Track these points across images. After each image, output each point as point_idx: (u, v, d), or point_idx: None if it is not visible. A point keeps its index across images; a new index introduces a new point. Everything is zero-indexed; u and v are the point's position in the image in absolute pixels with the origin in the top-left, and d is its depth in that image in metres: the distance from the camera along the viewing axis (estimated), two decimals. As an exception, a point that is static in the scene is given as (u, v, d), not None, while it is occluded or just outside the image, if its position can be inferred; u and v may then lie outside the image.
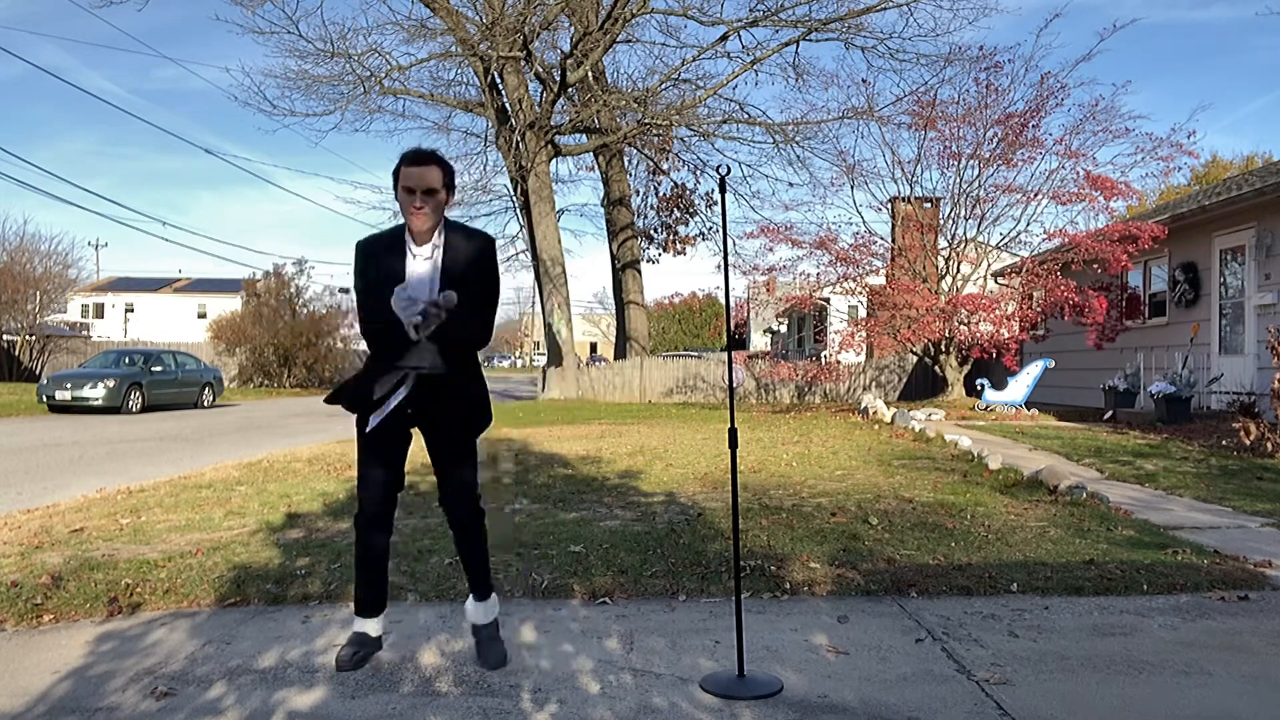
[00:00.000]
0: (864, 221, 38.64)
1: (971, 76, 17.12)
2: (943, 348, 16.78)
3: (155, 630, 3.55)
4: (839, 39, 20.99)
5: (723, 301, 46.90)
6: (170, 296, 55.39)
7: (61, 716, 2.75)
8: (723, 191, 3.35)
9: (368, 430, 3.12)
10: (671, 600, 3.92)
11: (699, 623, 3.62)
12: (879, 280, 17.33)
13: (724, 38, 21.44)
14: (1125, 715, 2.77)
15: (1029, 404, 15.17)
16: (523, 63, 21.47)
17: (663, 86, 23.32)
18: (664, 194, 28.52)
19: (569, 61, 20.83)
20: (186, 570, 4.34)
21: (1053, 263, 15.45)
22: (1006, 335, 15.60)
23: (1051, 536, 5.07)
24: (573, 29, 21.82)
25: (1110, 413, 13.84)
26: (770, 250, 17.46)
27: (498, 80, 21.90)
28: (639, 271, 29.16)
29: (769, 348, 41.05)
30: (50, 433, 13.25)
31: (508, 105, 22.04)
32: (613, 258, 29.36)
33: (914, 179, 17.45)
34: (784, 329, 40.16)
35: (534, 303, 24.94)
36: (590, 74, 21.70)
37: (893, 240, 17.66)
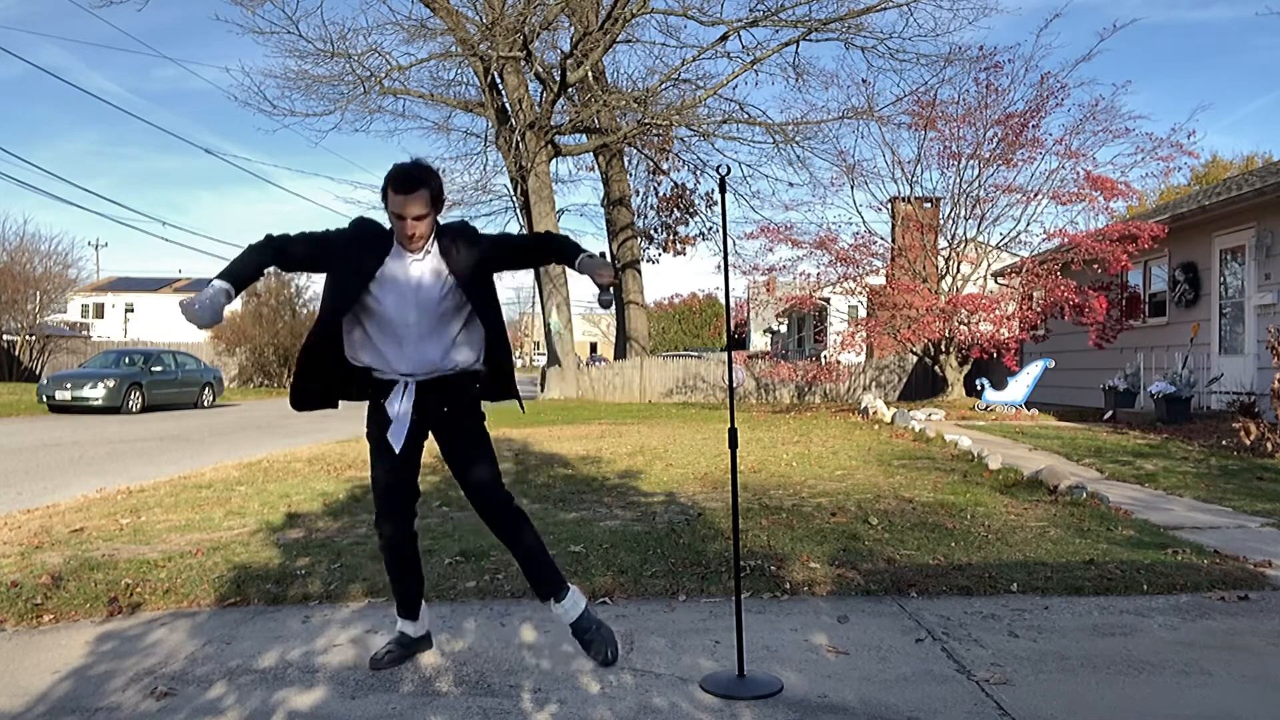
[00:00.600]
0: (864, 221, 38.70)
1: (971, 76, 17.15)
2: (943, 348, 16.79)
3: (155, 630, 3.55)
4: (839, 39, 21.01)
5: (723, 301, 46.87)
6: (170, 296, 55.32)
7: (61, 716, 2.75)
8: (723, 191, 3.35)
9: (397, 451, 3.00)
10: (671, 600, 3.92)
11: (699, 623, 3.62)
12: (879, 280, 17.33)
13: (724, 38, 21.45)
14: (1125, 715, 2.77)
15: (1029, 404, 15.18)
16: (523, 63, 21.47)
17: (663, 86, 23.33)
18: (664, 194, 28.54)
19: (569, 61, 20.83)
20: (186, 570, 4.34)
21: (1053, 263, 15.45)
22: (1006, 335, 15.60)
23: (1051, 536, 5.06)
24: (573, 29, 21.82)
25: (1110, 413, 13.84)
26: (770, 250, 17.50)
27: (498, 80, 21.91)
28: (639, 271, 29.17)
29: (769, 348, 41.05)
30: (50, 433, 13.25)
31: (508, 105, 22.04)
32: (613, 258, 29.32)
33: (914, 179, 17.48)
34: (784, 329, 40.16)
35: (534, 303, 24.87)
36: (590, 74, 21.70)
37: (893, 240, 17.66)
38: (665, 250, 28.86)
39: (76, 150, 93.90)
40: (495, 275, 3.12)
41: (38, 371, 30.18)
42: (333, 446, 10.25)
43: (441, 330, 2.99)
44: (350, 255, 2.95)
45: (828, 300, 20.92)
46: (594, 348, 58.60)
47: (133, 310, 53.33)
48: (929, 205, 17.54)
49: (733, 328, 29.38)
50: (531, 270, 24.67)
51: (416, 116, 39.43)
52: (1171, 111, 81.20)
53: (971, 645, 3.34)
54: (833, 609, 3.79)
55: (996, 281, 17.71)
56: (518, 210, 25.58)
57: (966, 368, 16.98)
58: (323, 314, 3.02)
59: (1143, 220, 14.76)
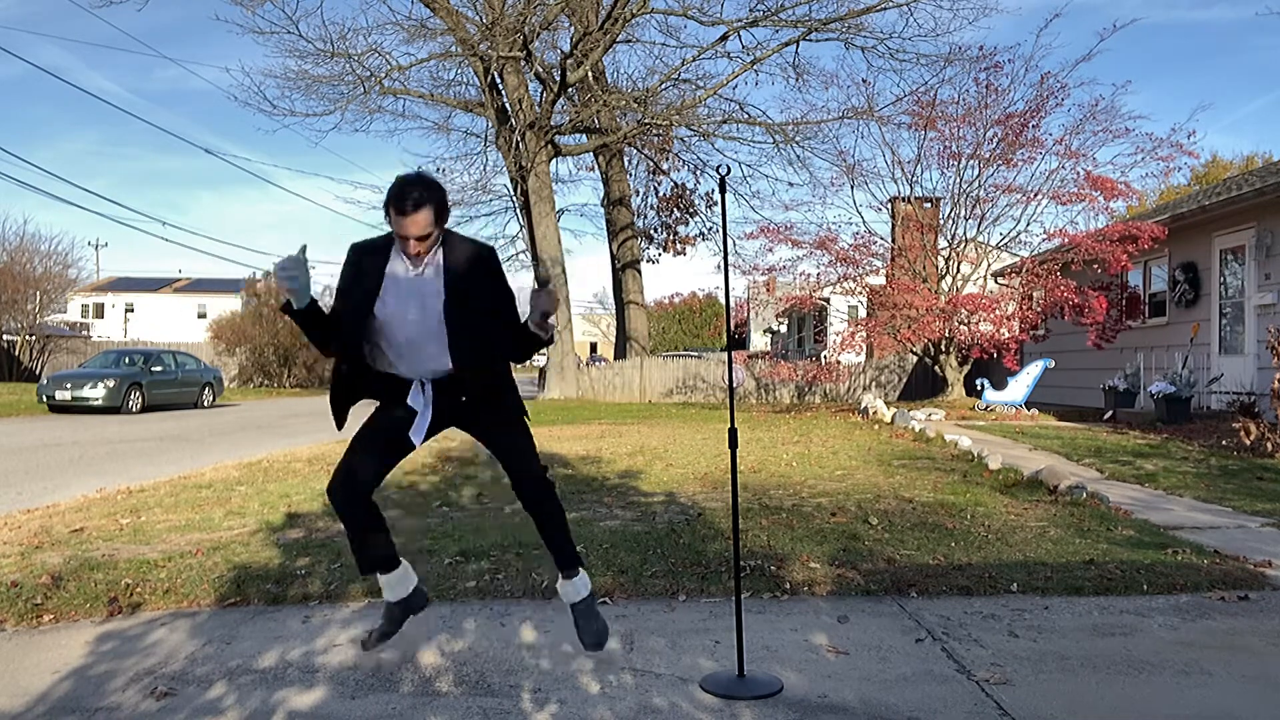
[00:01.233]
0: (864, 221, 38.64)
1: (971, 76, 17.14)
2: (943, 348, 16.79)
3: (155, 630, 3.55)
4: (839, 39, 21.00)
5: (723, 301, 46.93)
6: (170, 296, 55.39)
7: (62, 716, 2.75)
8: (723, 191, 3.35)
9: (418, 445, 3.00)
10: (671, 600, 3.92)
11: (699, 623, 3.62)
12: (879, 280, 17.33)
13: (724, 38, 21.44)
14: (1125, 715, 2.78)
15: (1029, 404, 15.18)
16: (523, 63, 21.47)
17: (663, 86, 23.32)
18: (664, 194, 28.52)
19: (569, 61, 20.83)
20: (186, 570, 4.34)
21: (1053, 263, 15.45)
22: (1006, 335, 15.61)
23: (1051, 536, 5.06)
24: (573, 29, 21.82)
25: (1110, 413, 13.84)
26: (770, 250, 17.49)
27: (498, 80, 21.91)
28: (639, 271, 29.17)
29: (769, 348, 41.05)
30: (50, 433, 13.25)
31: (508, 105, 22.04)
32: (613, 258, 29.36)
33: (914, 179, 17.47)
34: (784, 329, 40.16)
35: (534, 303, 24.69)
36: (590, 74, 21.70)
37: (893, 240, 17.66)
38: (665, 250, 28.86)
39: (77, 150, 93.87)
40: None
41: (38, 371, 30.17)
42: (332, 446, 10.25)
43: (440, 333, 2.97)
44: (356, 279, 2.95)
45: (828, 300, 20.92)
46: (594, 348, 58.60)
47: (133, 310, 53.35)
48: (929, 205, 17.54)
49: (733, 328, 29.38)
50: (532, 270, 24.73)
51: (416, 116, 39.44)
52: (1171, 111, 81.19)
53: (971, 645, 3.34)
54: (833, 609, 3.79)
55: (996, 281, 17.71)
56: (518, 210, 25.60)
57: (966, 368, 16.98)
58: (344, 339, 3.00)
59: (1143, 220, 14.76)
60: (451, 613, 3.74)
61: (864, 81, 19.74)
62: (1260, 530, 5.45)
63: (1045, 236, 15.95)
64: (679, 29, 29.34)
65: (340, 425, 3.06)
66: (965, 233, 16.84)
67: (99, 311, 52.30)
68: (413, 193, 2.79)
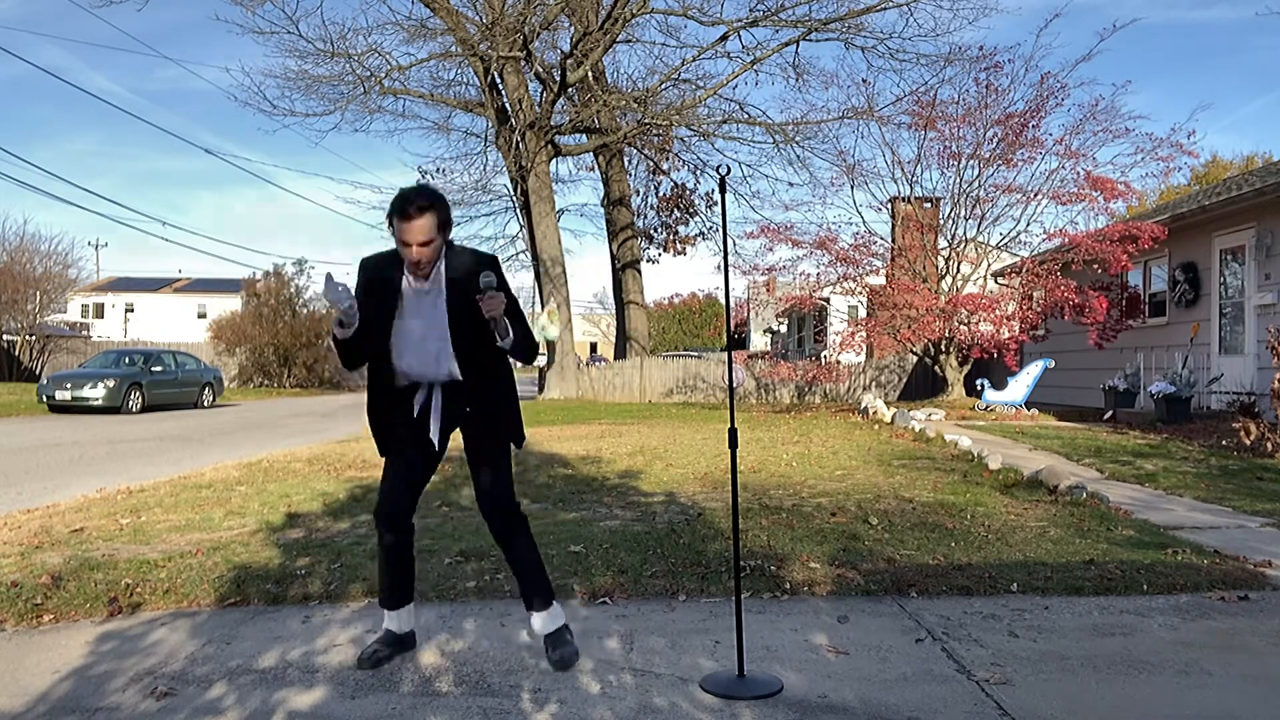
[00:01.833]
0: (864, 221, 38.64)
1: (971, 76, 17.15)
2: (943, 348, 16.79)
3: (155, 630, 3.55)
4: (839, 39, 21.00)
5: (723, 301, 46.91)
6: (170, 296, 55.39)
7: (62, 716, 2.75)
8: (723, 191, 3.35)
9: (437, 446, 3.17)
10: (671, 600, 3.92)
11: (699, 623, 3.62)
12: (879, 280, 17.33)
13: (724, 38, 21.44)
14: (1125, 715, 2.77)
15: (1029, 404, 15.18)
16: (523, 63, 21.47)
17: (663, 86, 23.32)
18: (664, 194, 28.52)
19: (569, 61, 20.83)
20: (186, 570, 4.34)
21: (1053, 263, 15.45)
22: (1006, 335, 15.61)
23: (1051, 536, 5.07)
24: (573, 29, 21.81)
25: (1110, 413, 13.84)
26: (770, 250, 17.50)
27: (498, 80, 21.90)
28: (639, 271, 29.17)
29: (769, 348, 41.04)
30: (50, 433, 13.25)
31: (508, 105, 22.04)
32: (613, 258, 29.36)
33: (914, 179, 17.47)
34: (784, 329, 40.16)
35: (534, 303, 24.87)
36: (590, 74, 21.70)
37: (893, 240, 17.66)
38: (665, 250, 28.86)
39: (77, 150, 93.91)
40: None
41: (38, 371, 30.18)
42: (333, 447, 10.25)
43: (445, 341, 3.08)
44: (370, 294, 3.08)
45: (828, 300, 20.92)
46: (594, 348, 58.59)
47: (133, 310, 53.36)
48: (929, 205, 17.54)
49: (733, 328, 29.39)
50: (531, 270, 24.73)
51: (416, 116, 39.40)
52: (1171, 111, 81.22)
53: (971, 645, 3.34)
54: (833, 609, 3.79)
55: (996, 281, 17.71)
56: (518, 210, 25.61)
57: (966, 368, 16.98)
58: (371, 358, 3.14)
59: (1143, 220, 14.76)
60: (451, 613, 3.74)
61: (864, 81, 19.77)
62: (1260, 530, 5.45)
63: (1045, 236, 15.97)
64: (679, 29, 29.37)
65: (382, 450, 3.24)
66: (965, 233, 16.85)
67: (99, 311, 52.30)
68: (415, 200, 2.94)
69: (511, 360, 3.20)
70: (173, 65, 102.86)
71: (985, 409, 15.01)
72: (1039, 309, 15.76)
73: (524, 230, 25.13)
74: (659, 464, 8.21)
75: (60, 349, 31.81)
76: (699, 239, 28.51)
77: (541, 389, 23.15)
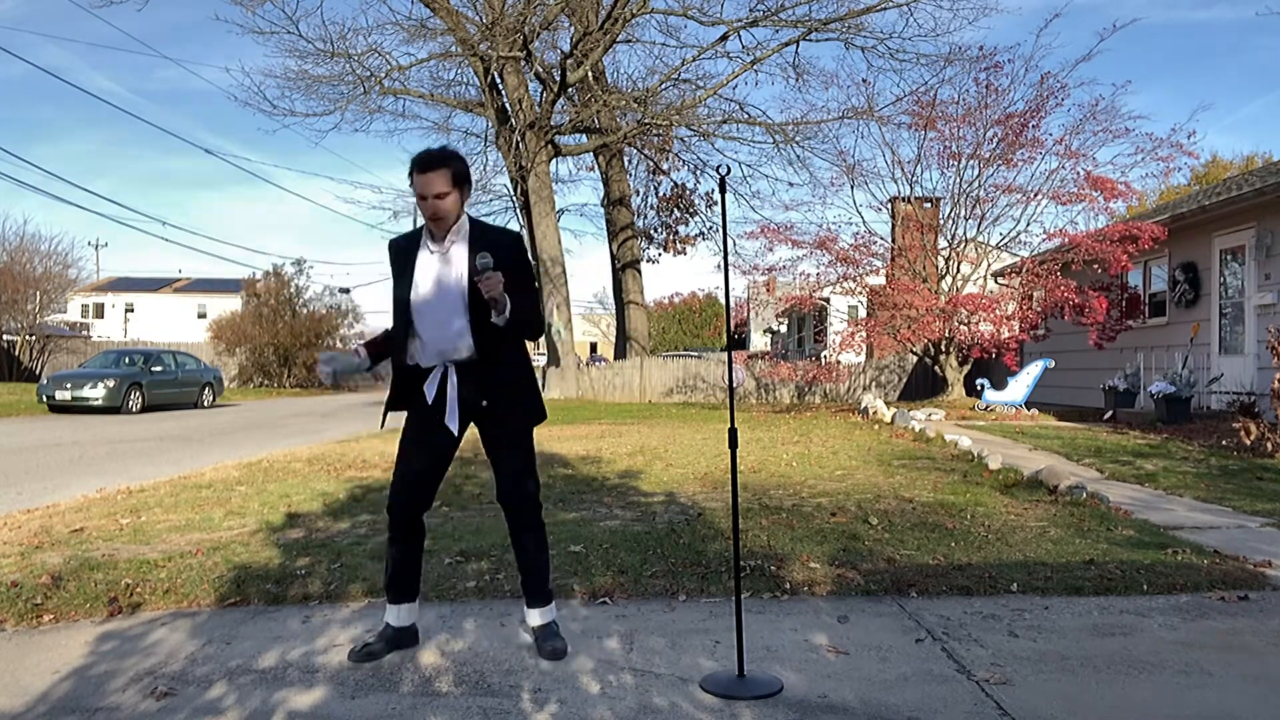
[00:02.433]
0: (864, 221, 38.63)
1: (971, 76, 17.15)
2: (943, 348, 16.78)
3: (155, 630, 3.55)
4: (839, 39, 21.00)
5: (723, 301, 46.91)
6: (170, 296, 55.39)
7: (62, 716, 2.75)
8: (723, 191, 3.35)
9: (455, 431, 3.20)
10: (671, 600, 3.92)
11: (699, 623, 3.62)
12: (879, 280, 17.33)
13: (724, 38, 21.44)
14: (1125, 715, 2.77)
15: (1029, 404, 15.17)
16: (523, 63, 21.47)
17: (663, 86, 23.32)
18: (664, 194, 28.54)
19: (569, 61, 20.83)
20: (186, 570, 4.34)
21: (1053, 263, 15.45)
22: (1006, 335, 15.61)
23: (1051, 536, 5.06)
24: (573, 29, 21.81)
25: (1110, 413, 13.84)
26: (770, 250, 17.50)
27: (498, 80, 21.90)
28: (639, 271, 29.17)
29: (769, 348, 41.05)
30: (50, 433, 13.25)
31: (508, 105, 22.04)
32: (613, 258, 29.36)
33: (914, 179, 17.48)
34: (784, 329, 40.16)
35: (533, 302, 24.64)
36: (590, 74, 21.70)
37: (893, 240, 17.66)
38: (665, 250, 28.87)
39: (77, 150, 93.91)
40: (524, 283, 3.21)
41: (38, 371, 30.18)
42: (333, 446, 10.25)
43: (457, 315, 3.12)
44: (395, 269, 3.23)
45: (828, 300, 20.92)
46: (594, 348, 58.60)
47: (133, 310, 53.35)
48: (929, 205, 17.54)
49: (733, 328, 29.38)
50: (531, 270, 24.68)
51: (416, 116, 39.45)
52: (1171, 112, 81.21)
53: (971, 645, 3.34)
54: (833, 609, 3.79)
55: (996, 281, 17.71)
56: (518, 210, 25.60)
57: (966, 368, 16.98)
58: (395, 330, 3.25)
59: (1143, 220, 14.76)
60: (451, 613, 3.74)
61: (864, 81, 19.82)
62: (1260, 530, 5.45)
63: (1045, 236, 15.98)
64: (679, 29, 29.39)
65: (390, 406, 3.31)
66: (965, 233, 16.85)
67: (99, 311, 52.30)
68: (433, 153, 3.11)
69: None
70: (173, 65, 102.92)
71: (985, 409, 15.01)
72: (1039, 309, 15.76)
73: (524, 230, 25.12)
74: (659, 464, 8.21)
75: (60, 349, 31.82)
76: (699, 239, 28.54)
77: (542, 389, 23.12)
